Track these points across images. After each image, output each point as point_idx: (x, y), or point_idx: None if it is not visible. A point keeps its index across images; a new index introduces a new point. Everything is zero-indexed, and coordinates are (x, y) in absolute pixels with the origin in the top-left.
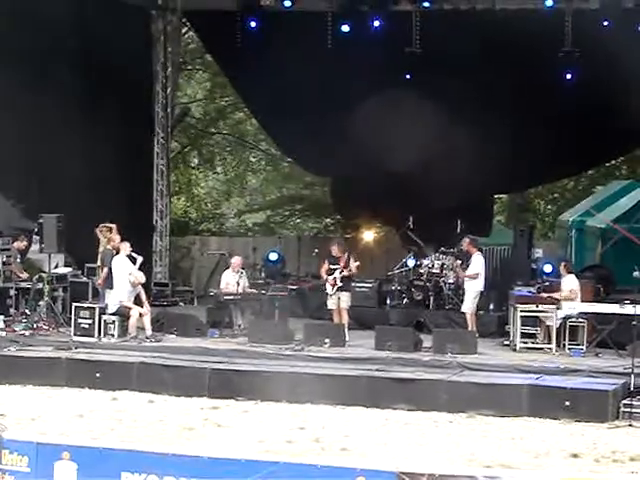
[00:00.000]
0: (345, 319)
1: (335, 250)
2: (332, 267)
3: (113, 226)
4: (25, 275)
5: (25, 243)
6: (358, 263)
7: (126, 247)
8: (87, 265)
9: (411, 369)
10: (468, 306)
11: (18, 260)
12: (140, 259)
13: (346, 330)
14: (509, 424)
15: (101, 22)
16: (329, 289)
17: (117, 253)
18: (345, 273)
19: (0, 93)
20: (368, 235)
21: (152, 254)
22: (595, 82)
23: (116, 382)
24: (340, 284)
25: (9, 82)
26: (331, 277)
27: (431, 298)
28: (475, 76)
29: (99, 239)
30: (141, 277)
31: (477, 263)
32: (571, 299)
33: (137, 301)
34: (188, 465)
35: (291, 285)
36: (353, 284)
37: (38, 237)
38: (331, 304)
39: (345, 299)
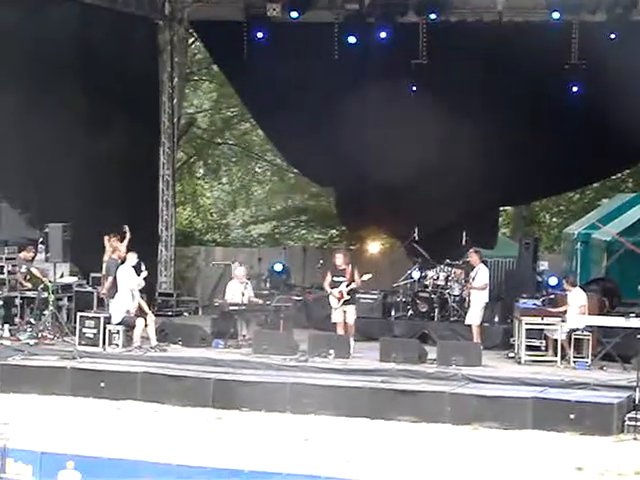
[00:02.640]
0: (352, 333)
1: (340, 261)
2: (335, 279)
3: (126, 231)
4: (29, 284)
5: (32, 254)
6: (370, 275)
7: (133, 258)
8: (92, 275)
9: (416, 381)
10: (474, 318)
11: (24, 270)
12: (145, 273)
13: (352, 343)
14: (514, 437)
15: (107, 32)
16: (334, 302)
17: (122, 263)
18: (353, 285)
19: (6, 105)
20: (373, 246)
21: (157, 264)
22: (601, 95)
23: (120, 392)
24: (346, 297)
25: (15, 93)
26: (336, 290)
27: (436, 310)
28: (481, 88)
29: (106, 248)
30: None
31: (484, 274)
32: (580, 312)
33: (140, 311)
34: (192, 475)
35: (296, 296)
36: (357, 295)
37: (43, 246)
38: (336, 317)
39: (351, 313)
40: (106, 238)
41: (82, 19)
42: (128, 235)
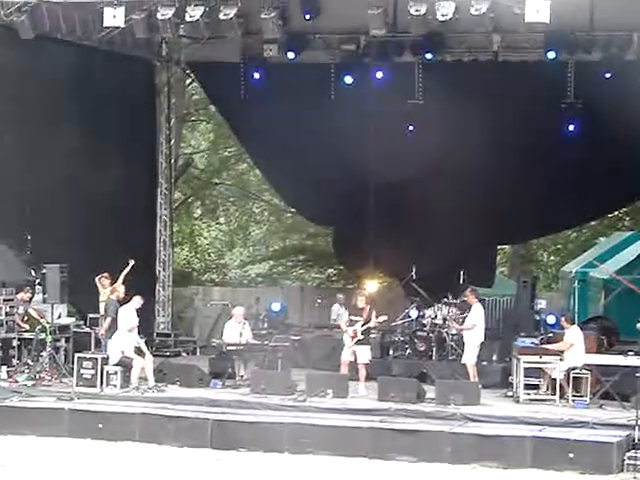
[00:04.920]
0: (363, 374)
1: (362, 301)
2: (353, 319)
3: (131, 262)
4: (26, 326)
5: (29, 295)
6: (386, 317)
7: (138, 301)
8: (90, 315)
9: (414, 420)
10: (468, 357)
11: (22, 311)
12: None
13: (363, 385)
14: (513, 476)
15: (105, 73)
16: (347, 341)
17: (121, 303)
18: (371, 325)
19: (3, 145)
20: (371, 286)
21: (155, 304)
22: (597, 133)
23: (118, 433)
24: (360, 337)
25: (13, 133)
26: (351, 329)
27: (434, 349)
28: (477, 127)
29: (99, 289)
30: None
31: (474, 314)
32: (575, 350)
33: (138, 351)
34: None
35: (294, 336)
36: None
37: (41, 287)
38: (345, 356)
39: (363, 353)
40: (97, 279)
41: (80, 60)
42: (128, 268)
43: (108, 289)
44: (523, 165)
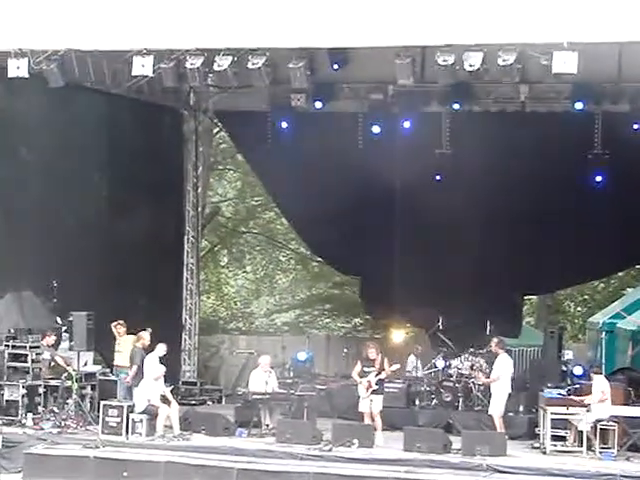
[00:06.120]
0: (379, 423)
1: (373, 353)
2: (366, 370)
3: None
4: (52, 373)
5: (54, 338)
6: (399, 366)
7: (162, 348)
8: (116, 364)
9: (440, 471)
10: (495, 408)
11: (47, 356)
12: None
13: (380, 434)
14: None
15: (133, 122)
16: (362, 392)
17: (146, 351)
18: (382, 376)
19: (32, 191)
20: (398, 335)
21: (181, 353)
22: (625, 184)
23: None
24: (375, 387)
25: (42, 180)
26: (365, 379)
27: (460, 399)
28: (505, 177)
29: (115, 336)
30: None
31: (500, 365)
32: (602, 401)
33: (164, 400)
34: None
35: (320, 385)
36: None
37: (67, 335)
38: (363, 407)
39: (378, 402)
40: (113, 325)
41: (109, 109)
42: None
43: (125, 337)
44: (550, 215)
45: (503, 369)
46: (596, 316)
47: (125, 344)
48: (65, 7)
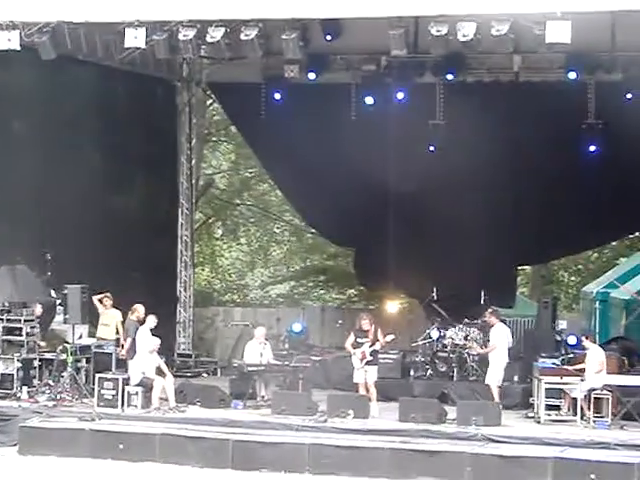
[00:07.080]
0: (374, 393)
1: (366, 324)
2: (359, 340)
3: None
4: (44, 343)
5: (40, 309)
6: (393, 337)
7: (152, 320)
8: (100, 336)
9: (435, 441)
10: (493, 378)
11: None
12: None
13: (375, 404)
14: None
15: (126, 94)
16: (357, 363)
17: (141, 324)
18: (377, 347)
19: (24, 165)
20: (392, 306)
21: (176, 325)
22: (618, 154)
23: (139, 453)
24: (369, 358)
25: (34, 153)
26: (359, 350)
27: (455, 370)
28: (498, 147)
29: (98, 309)
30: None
31: (496, 335)
32: (598, 372)
33: (159, 372)
34: None
35: (315, 356)
36: None
37: (62, 308)
38: (358, 378)
39: (372, 373)
40: (98, 298)
41: (101, 81)
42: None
43: (111, 310)
44: (543, 185)
45: (499, 338)
46: (590, 286)
47: (110, 317)
48: None
